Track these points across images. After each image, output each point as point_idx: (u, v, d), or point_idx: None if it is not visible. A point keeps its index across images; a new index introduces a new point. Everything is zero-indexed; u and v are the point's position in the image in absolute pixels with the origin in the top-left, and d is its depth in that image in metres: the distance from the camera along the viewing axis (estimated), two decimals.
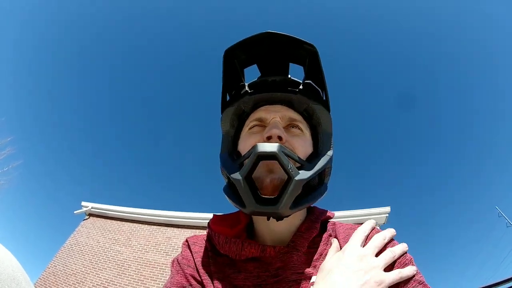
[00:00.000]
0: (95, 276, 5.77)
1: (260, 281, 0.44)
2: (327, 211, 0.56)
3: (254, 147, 0.43)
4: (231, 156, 0.53)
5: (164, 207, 7.14)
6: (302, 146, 0.50)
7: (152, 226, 6.70)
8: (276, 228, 0.49)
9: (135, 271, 5.75)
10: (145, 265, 5.84)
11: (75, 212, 7.33)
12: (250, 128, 0.53)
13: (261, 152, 0.42)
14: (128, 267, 5.86)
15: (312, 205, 0.52)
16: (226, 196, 0.50)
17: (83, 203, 7.43)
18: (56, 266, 6.18)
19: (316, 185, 0.50)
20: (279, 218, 0.44)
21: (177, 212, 6.74)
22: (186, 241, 0.55)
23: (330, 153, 0.53)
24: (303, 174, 0.44)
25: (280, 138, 0.47)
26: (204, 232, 0.56)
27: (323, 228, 0.53)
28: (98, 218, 7.22)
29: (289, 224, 0.49)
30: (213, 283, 0.45)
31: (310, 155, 0.51)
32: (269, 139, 0.47)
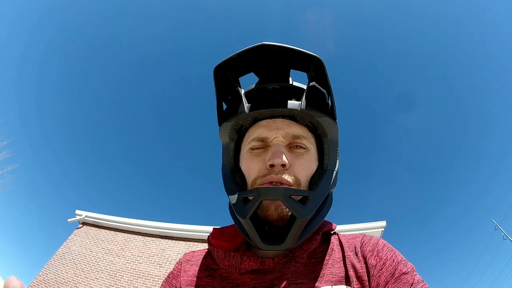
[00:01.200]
0: (86, 286, 5.72)
1: None
2: (329, 222, 0.56)
3: (258, 191, 0.43)
4: (233, 178, 0.53)
5: (158, 218, 7.13)
6: (305, 168, 0.49)
7: (146, 237, 6.69)
8: None
9: (128, 282, 5.75)
10: (138, 277, 5.83)
11: (68, 220, 7.28)
12: (251, 149, 0.51)
13: (265, 198, 0.43)
14: (121, 277, 5.84)
15: None
16: (231, 216, 0.51)
17: (77, 211, 7.38)
18: (47, 274, 6.12)
19: (321, 204, 0.49)
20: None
21: (171, 224, 6.74)
22: (182, 257, 0.56)
23: (336, 167, 0.52)
24: (309, 210, 0.44)
25: (283, 165, 0.46)
26: (198, 245, 0.63)
27: (326, 239, 0.53)
28: (92, 227, 7.18)
29: None
30: None
31: (315, 172, 0.50)
32: (271, 166, 0.47)
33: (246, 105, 0.51)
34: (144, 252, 6.36)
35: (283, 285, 0.42)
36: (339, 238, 0.53)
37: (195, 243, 6.43)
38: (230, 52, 0.48)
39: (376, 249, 0.47)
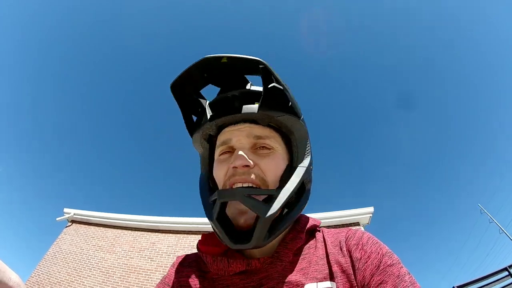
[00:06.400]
0: (79, 284, 5.85)
1: None
2: (314, 219, 0.57)
3: (218, 193, 0.46)
4: (207, 184, 0.56)
5: (147, 212, 7.19)
6: (271, 168, 0.50)
7: (136, 232, 6.79)
8: None
9: (120, 277, 5.88)
10: (130, 272, 5.96)
11: (57, 219, 7.28)
12: (220, 154, 0.53)
13: (222, 200, 0.46)
14: (113, 274, 5.97)
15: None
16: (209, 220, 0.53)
17: (65, 210, 7.38)
18: (39, 275, 6.21)
19: (294, 202, 0.51)
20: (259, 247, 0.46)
21: (160, 217, 6.82)
22: (175, 260, 0.59)
23: (306, 162, 0.53)
24: (273, 208, 0.44)
25: (247, 166, 0.48)
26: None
27: (311, 236, 0.54)
28: (81, 225, 7.22)
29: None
30: None
31: (284, 171, 0.51)
32: (235, 169, 0.48)
33: (208, 115, 0.53)
34: (134, 247, 6.46)
35: (271, 284, 0.44)
36: (323, 234, 0.54)
37: (185, 235, 6.52)
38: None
39: (360, 242, 0.48)
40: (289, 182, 0.49)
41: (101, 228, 7.04)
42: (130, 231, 6.82)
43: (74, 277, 6.01)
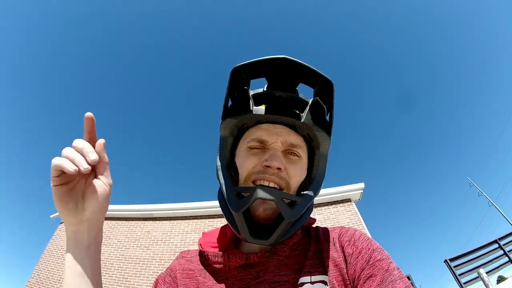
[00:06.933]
0: None
1: (243, 283, 0.48)
2: (310, 217, 0.59)
3: (255, 191, 0.47)
4: (228, 171, 0.54)
5: (140, 201, 7.11)
6: (298, 175, 0.53)
7: (130, 222, 6.74)
8: None
9: (118, 269, 5.89)
10: (127, 262, 5.97)
11: (51, 216, 7.22)
12: (250, 147, 0.54)
13: (261, 198, 0.46)
14: (111, 266, 5.98)
15: None
16: (220, 205, 0.55)
17: None
18: (39, 274, 6.26)
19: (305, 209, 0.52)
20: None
21: (154, 205, 6.77)
22: (178, 254, 0.62)
23: (322, 177, 0.56)
24: (295, 213, 0.48)
25: (279, 168, 0.50)
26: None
27: (306, 233, 0.57)
28: None
29: None
30: None
31: (303, 181, 0.54)
32: (267, 167, 0.50)
33: (253, 107, 0.53)
34: (129, 237, 6.42)
35: (267, 276, 0.47)
36: (317, 231, 0.57)
37: (179, 221, 6.44)
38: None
39: (352, 239, 0.50)
40: (309, 192, 0.52)
41: None
42: (124, 221, 6.77)
43: None
